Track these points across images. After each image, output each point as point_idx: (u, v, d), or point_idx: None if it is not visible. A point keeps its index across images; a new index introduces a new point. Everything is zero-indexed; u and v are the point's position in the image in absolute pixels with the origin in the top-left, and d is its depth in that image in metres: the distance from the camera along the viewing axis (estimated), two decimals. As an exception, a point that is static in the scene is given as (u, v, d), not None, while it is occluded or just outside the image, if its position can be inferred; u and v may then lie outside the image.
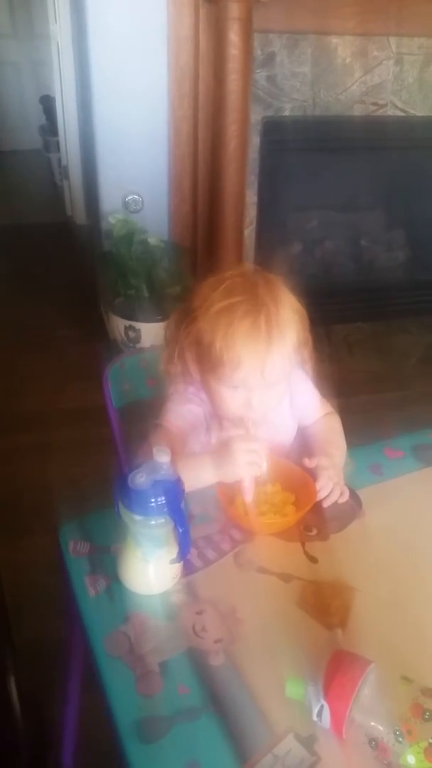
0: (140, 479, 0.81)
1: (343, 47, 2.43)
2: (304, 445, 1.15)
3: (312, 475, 1.02)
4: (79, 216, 3.89)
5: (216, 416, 1.07)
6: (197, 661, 0.79)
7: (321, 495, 1.00)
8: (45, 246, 3.72)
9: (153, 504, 0.81)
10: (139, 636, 0.82)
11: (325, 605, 0.86)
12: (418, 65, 2.55)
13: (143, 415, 1.29)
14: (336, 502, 1.02)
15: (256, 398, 0.97)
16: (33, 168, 5.10)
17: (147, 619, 0.84)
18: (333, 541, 0.98)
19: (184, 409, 1.06)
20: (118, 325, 2.47)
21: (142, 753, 0.70)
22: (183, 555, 0.87)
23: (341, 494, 1.02)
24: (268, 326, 0.92)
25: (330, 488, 1.01)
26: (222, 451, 0.96)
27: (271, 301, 0.94)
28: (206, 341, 0.95)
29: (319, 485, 1.00)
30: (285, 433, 1.16)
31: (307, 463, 1.03)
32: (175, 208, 2.59)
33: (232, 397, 0.99)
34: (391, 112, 2.61)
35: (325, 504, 1.01)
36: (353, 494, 1.03)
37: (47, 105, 4.71)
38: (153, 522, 0.83)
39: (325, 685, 0.70)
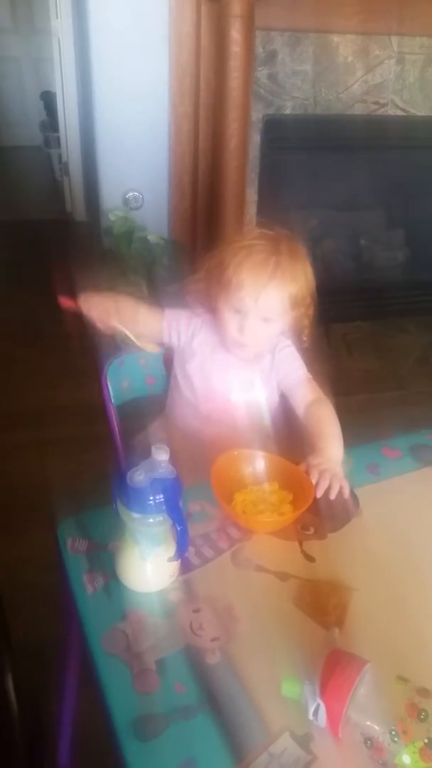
0: (138, 477, 0.81)
1: (344, 46, 2.43)
2: (301, 437, 1.15)
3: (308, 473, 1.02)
4: (79, 212, 3.88)
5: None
6: (194, 659, 0.79)
7: (319, 492, 0.99)
8: (44, 242, 3.71)
9: (151, 502, 0.81)
10: (136, 633, 0.82)
11: (322, 604, 0.86)
12: (419, 65, 2.55)
13: (142, 413, 1.30)
14: (339, 495, 1.00)
15: (249, 324, 1.12)
16: (33, 164, 5.09)
17: (144, 616, 0.84)
18: (330, 541, 0.98)
19: (180, 311, 1.23)
20: (117, 322, 2.46)
21: (139, 751, 0.70)
22: (181, 553, 0.87)
23: (342, 487, 1.00)
24: (275, 267, 1.09)
25: (326, 484, 0.99)
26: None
27: (287, 254, 1.11)
28: (223, 266, 1.12)
29: (314, 483, 0.99)
30: (257, 401, 1.21)
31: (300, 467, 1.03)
32: (175, 205, 2.58)
33: (231, 320, 1.14)
34: (392, 111, 2.61)
35: (331, 496, 0.99)
36: (351, 494, 1.03)
37: (48, 101, 4.70)
38: (151, 520, 0.83)
39: (321, 684, 0.71)
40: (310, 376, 1.20)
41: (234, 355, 1.19)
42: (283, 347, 1.21)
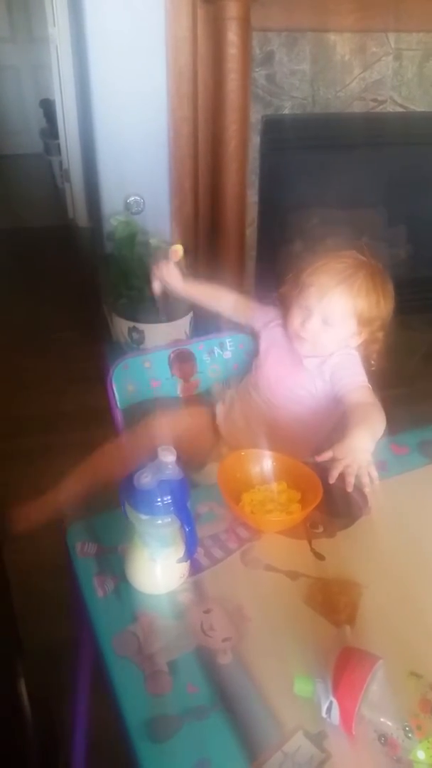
0: (146, 479, 0.81)
1: (341, 44, 2.43)
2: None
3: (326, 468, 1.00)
4: (81, 218, 3.90)
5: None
6: (206, 659, 0.79)
7: (330, 479, 0.96)
8: (47, 249, 3.73)
9: (159, 503, 0.82)
10: (147, 635, 0.82)
11: (332, 602, 0.86)
12: (417, 60, 2.55)
13: (148, 416, 1.30)
14: (355, 490, 0.97)
15: (310, 321, 1.20)
16: (34, 171, 5.12)
17: (155, 618, 0.84)
18: (339, 538, 0.98)
19: (268, 307, 1.36)
20: (122, 326, 2.47)
21: (152, 752, 0.70)
22: (190, 554, 0.88)
23: (370, 475, 0.97)
24: (348, 276, 1.18)
25: (336, 473, 0.96)
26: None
27: (367, 273, 1.20)
28: (304, 271, 1.22)
29: (330, 477, 0.97)
30: (306, 401, 1.28)
31: (318, 459, 1.02)
32: (177, 208, 2.59)
33: (297, 314, 1.23)
34: (390, 108, 2.61)
35: (348, 488, 0.96)
36: (359, 491, 1.03)
37: (47, 108, 4.72)
38: (159, 521, 0.83)
39: (333, 682, 0.70)
40: (368, 385, 1.21)
41: (293, 347, 1.26)
42: (344, 353, 1.24)
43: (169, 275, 1.35)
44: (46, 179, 4.89)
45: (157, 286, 1.36)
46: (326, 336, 1.22)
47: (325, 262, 1.21)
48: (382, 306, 1.22)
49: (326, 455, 1.01)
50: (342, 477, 0.98)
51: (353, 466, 0.98)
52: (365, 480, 0.98)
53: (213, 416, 1.37)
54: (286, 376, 1.29)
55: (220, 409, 1.38)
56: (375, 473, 0.99)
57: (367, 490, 0.99)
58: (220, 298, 1.40)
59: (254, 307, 1.39)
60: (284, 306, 1.30)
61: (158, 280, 1.35)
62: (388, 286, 1.23)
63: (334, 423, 1.26)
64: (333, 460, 1.00)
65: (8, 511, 1.28)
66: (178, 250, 1.36)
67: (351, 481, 0.98)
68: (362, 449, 1.01)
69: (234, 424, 1.33)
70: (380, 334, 1.25)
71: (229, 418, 1.35)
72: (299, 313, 1.22)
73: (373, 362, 1.28)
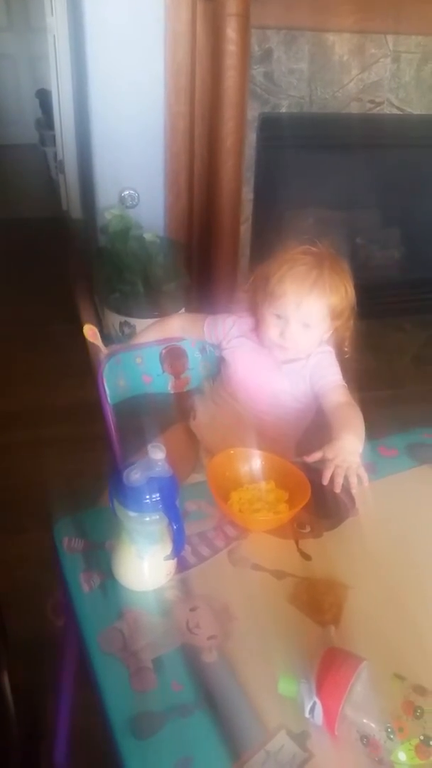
0: (135, 476, 0.81)
1: (340, 44, 2.43)
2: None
3: (317, 468, 1.01)
4: (75, 210, 3.88)
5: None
6: (191, 657, 0.79)
7: (324, 480, 0.99)
8: (40, 241, 3.71)
9: (147, 500, 0.82)
10: (133, 632, 0.82)
11: (318, 602, 0.87)
12: (415, 63, 2.55)
13: (139, 411, 1.30)
14: (343, 490, 1.00)
15: (290, 329, 1.20)
16: (29, 162, 5.08)
17: (141, 615, 0.84)
18: (326, 539, 0.98)
19: (221, 318, 1.34)
20: (113, 320, 2.46)
21: (136, 749, 0.70)
22: (177, 551, 0.87)
23: (360, 477, 1.00)
24: (317, 277, 1.17)
25: (329, 474, 0.99)
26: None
27: (329, 267, 1.19)
28: (269, 275, 1.20)
29: (324, 477, 0.99)
30: (286, 402, 1.28)
31: (308, 459, 1.03)
32: (171, 203, 2.58)
33: (274, 325, 1.22)
34: (387, 109, 2.61)
35: (336, 489, 0.99)
36: (347, 492, 1.03)
37: (43, 99, 4.69)
38: (147, 518, 0.83)
39: (317, 682, 0.71)
40: (344, 384, 1.24)
41: (273, 355, 1.26)
42: (320, 352, 1.26)
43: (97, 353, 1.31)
44: (40, 170, 4.87)
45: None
46: (306, 339, 1.22)
47: (288, 267, 1.19)
48: (350, 294, 1.23)
49: (316, 455, 1.02)
50: (331, 478, 0.99)
51: (343, 466, 1.00)
52: (353, 481, 1.00)
53: (191, 433, 1.38)
54: (266, 384, 1.29)
55: (199, 415, 1.38)
56: (365, 475, 1.00)
57: (354, 491, 1.00)
58: (166, 329, 1.39)
59: (206, 321, 1.36)
60: (252, 315, 1.29)
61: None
62: (348, 273, 1.23)
63: (312, 418, 1.30)
64: (323, 461, 1.01)
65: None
66: (89, 330, 1.31)
67: (340, 481, 0.99)
68: (352, 450, 1.03)
69: (216, 433, 1.32)
70: (351, 322, 1.26)
71: (211, 429, 1.34)
72: (276, 323, 1.21)
73: (346, 349, 1.29)
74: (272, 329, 1.22)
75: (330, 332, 1.25)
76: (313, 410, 1.29)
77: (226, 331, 1.33)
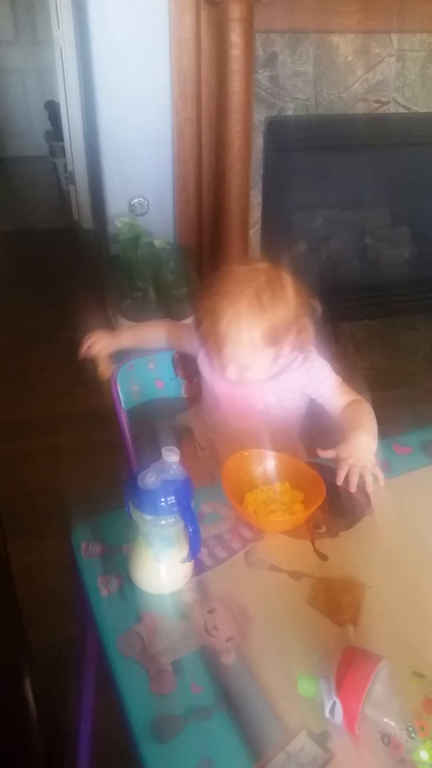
0: (150, 479, 0.82)
1: (344, 45, 2.43)
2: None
3: (332, 468, 1.01)
4: (86, 220, 3.91)
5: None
6: (209, 659, 0.79)
7: (338, 480, 0.99)
8: (52, 251, 3.74)
9: (163, 503, 0.82)
10: (151, 635, 0.82)
11: (335, 602, 0.86)
12: (420, 61, 2.54)
13: (153, 416, 1.31)
14: (358, 490, 1.00)
15: (236, 371, 1.13)
16: (39, 174, 5.13)
17: (159, 618, 0.85)
18: (342, 538, 0.98)
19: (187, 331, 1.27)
20: (126, 327, 2.47)
21: (156, 752, 0.70)
22: (193, 554, 0.88)
23: (375, 476, 1.00)
24: (239, 314, 1.06)
25: (343, 474, 0.99)
26: None
27: (255, 292, 1.07)
28: (200, 320, 1.11)
29: (338, 478, 0.99)
30: (272, 410, 1.23)
31: (321, 453, 1.03)
32: (181, 210, 2.60)
33: (221, 367, 1.15)
34: (393, 109, 2.61)
35: (351, 489, 0.99)
36: (362, 491, 1.03)
37: (52, 110, 4.72)
38: (163, 521, 0.84)
39: (336, 681, 0.71)
40: (340, 380, 1.20)
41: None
42: (300, 366, 1.19)
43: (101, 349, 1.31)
44: (50, 181, 4.91)
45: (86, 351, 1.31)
46: (258, 369, 1.14)
47: (209, 319, 1.08)
48: (292, 303, 1.10)
49: (329, 453, 1.02)
50: (345, 477, 0.99)
51: (358, 465, 1.00)
52: (368, 480, 0.99)
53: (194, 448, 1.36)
54: (253, 404, 1.23)
55: (203, 445, 1.35)
56: (380, 474, 1.00)
57: (370, 490, 1.00)
58: (151, 338, 1.37)
59: (185, 331, 1.30)
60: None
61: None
62: (286, 281, 1.11)
63: (308, 402, 1.25)
64: (338, 460, 1.01)
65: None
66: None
67: (355, 481, 0.99)
68: (366, 449, 1.03)
69: (216, 455, 1.28)
70: (305, 321, 1.13)
71: (217, 460, 1.25)
72: (222, 366, 1.14)
73: (311, 347, 1.19)
74: (222, 372, 1.15)
75: (285, 347, 1.14)
76: (306, 399, 1.24)
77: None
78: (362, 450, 1.03)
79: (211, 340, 1.10)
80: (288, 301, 1.10)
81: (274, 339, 1.10)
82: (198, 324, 1.12)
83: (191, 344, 1.26)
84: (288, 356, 1.15)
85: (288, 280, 1.11)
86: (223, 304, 1.07)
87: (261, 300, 1.07)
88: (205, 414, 1.34)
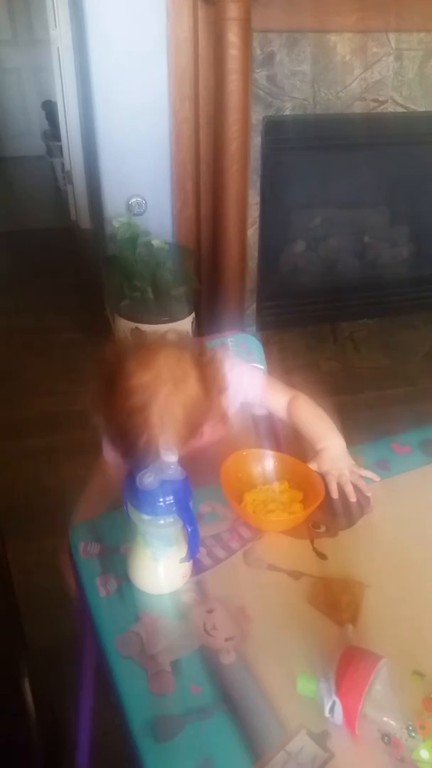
0: (148, 479, 0.81)
1: (342, 44, 2.43)
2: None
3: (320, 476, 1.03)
4: (84, 220, 3.90)
5: None
6: (209, 659, 0.79)
7: (334, 496, 1.01)
8: (50, 251, 3.74)
9: (161, 503, 0.82)
10: (150, 635, 0.82)
11: (335, 601, 0.86)
12: (418, 60, 2.54)
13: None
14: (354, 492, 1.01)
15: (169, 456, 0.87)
16: (37, 173, 5.13)
17: (158, 618, 0.85)
18: (342, 538, 0.98)
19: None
20: (124, 327, 2.47)
21: (156, 752, 0.70)
22: (192, 554, 0.88)
23: (356, 482, 1.01)
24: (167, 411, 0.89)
25: (334, 487, 1.01)
26: None
27: (155, 399, 0.89)
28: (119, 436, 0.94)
29: (331, 492, 1.01)
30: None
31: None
32: (179, 209, 2.59)
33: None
34: (391, 108, 2.61)
35: (351, 499, 1.01)
36: (360, 491, 1.03)
37: (49, 110, 4.73)
38: (162, 521, 0.84)
39: (336, 681, 0.70)
40: (265, 378, 1.13)
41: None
42: (235, 400, 1.07)
43: None
44: (48, 181, 4.90)
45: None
46: (190, 440, 0.94)
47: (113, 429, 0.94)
48: (196, 397, 0.93)
49: (312, 468, 1.03)
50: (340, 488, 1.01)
51: (345, 474, 1.01)
52: (362, 484, 1.01)
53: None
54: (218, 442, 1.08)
55: None
56: (371, 473, 1.01)
57: (369, 494, 1.01)
58: (105, 492, 1.11)
59: (111, 458, 1.14)
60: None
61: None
62: (184, 374, 0.93)
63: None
64: (321, 473, 1.03)
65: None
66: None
67: (350, 490, 1.02)
68: (342, 455, 1.05)
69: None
70: (218, 399, 0.98)
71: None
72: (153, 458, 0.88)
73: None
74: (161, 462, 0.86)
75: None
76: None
77: None
78: (339, 458, 1.04)
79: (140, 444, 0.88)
80: (190, 391, 0.93)
81: (194, 415, 0.93)
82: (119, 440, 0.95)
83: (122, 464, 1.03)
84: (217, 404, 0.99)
85: (191, 361, 0.95)
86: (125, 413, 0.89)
87: (174, 396, 0.90)
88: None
